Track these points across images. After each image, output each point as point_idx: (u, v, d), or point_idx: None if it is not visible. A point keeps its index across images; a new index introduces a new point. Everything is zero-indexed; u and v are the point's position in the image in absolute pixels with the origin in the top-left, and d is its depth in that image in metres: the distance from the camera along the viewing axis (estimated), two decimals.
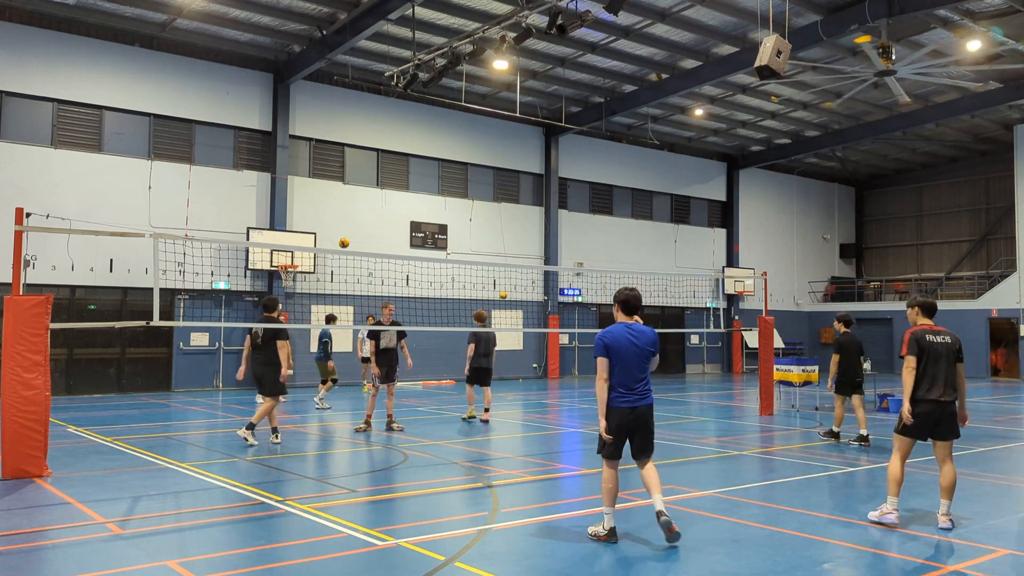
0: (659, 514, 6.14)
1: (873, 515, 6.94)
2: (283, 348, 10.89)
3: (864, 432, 11.65)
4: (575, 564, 5.78)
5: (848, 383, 11.95)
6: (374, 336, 12.72)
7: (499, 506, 7.55)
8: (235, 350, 20.56)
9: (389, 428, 12.85)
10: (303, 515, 7.12)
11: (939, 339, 6.89)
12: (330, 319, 16.83)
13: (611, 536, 6.26)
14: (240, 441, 11.03)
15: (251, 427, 11.01)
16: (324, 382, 16.42)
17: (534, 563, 5.81)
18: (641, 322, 6.54)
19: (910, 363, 6.87)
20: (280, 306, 11.53)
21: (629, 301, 6.51)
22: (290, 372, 11.38)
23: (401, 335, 12.93)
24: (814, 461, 10.24)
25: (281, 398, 12.15)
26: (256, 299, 21.46)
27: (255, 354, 11.07)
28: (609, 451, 6.32)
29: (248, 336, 11.27)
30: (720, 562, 5.80)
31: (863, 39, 18.83)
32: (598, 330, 8.20)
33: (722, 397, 20.57)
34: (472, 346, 14.00)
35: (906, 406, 6.90)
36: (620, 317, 6.53)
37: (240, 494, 8.02)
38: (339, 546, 6.16)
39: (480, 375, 14.15)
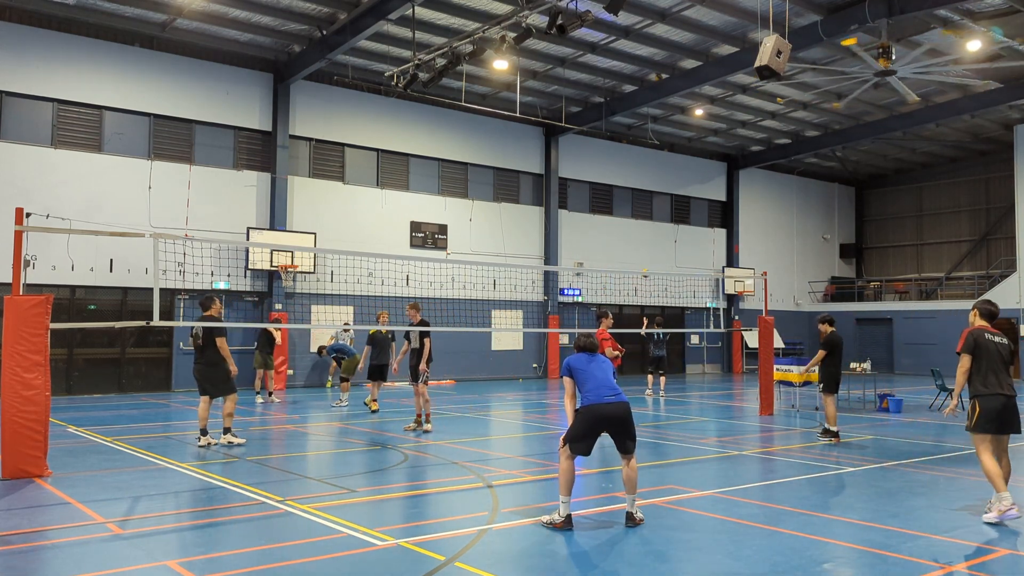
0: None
1: (990, 517, 6.86)
2: (222, 346, 10.88)
3: (834, 428, 11.97)
4: (575, 564, 5.78)
5: (836, 381, 12.24)
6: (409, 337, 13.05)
7: (499, 506, 7.55)
8: (234, 350, 20.41)
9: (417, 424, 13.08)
10: (303, 515, 7.12)
11: (996, 339, 7.17)
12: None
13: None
14: (229, 447, 10.96)
15: (227, 431, 11.12)
16: (344, 380, 17.05)
17: (534, 563, 5.81)
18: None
19: (964, 362, 7.09)
20: (217, 303, 11.22)
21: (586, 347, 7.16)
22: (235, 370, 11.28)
23: (424, 335, 12.89)
24: (814, 461, 10.24)
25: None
26: (256, 299, 21.49)
27: (199, 357, 11.01)
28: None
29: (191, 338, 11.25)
30: (720, 562, 5.80)
31: (849, 41, 18.86)
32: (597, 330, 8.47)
33: (722, 397, 20.57)
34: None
35: (954, 401, 7.31)
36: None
37: (240, 494, 8.02)
38: (339, 546, 6.16)
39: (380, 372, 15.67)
